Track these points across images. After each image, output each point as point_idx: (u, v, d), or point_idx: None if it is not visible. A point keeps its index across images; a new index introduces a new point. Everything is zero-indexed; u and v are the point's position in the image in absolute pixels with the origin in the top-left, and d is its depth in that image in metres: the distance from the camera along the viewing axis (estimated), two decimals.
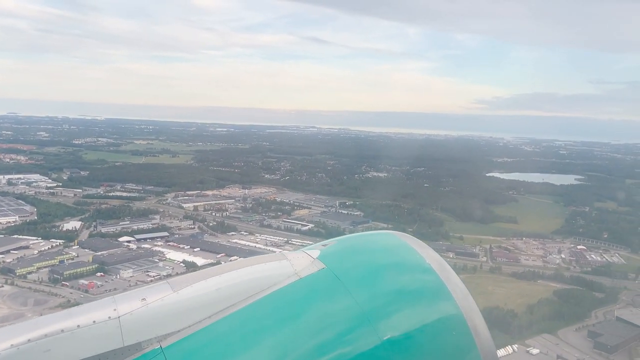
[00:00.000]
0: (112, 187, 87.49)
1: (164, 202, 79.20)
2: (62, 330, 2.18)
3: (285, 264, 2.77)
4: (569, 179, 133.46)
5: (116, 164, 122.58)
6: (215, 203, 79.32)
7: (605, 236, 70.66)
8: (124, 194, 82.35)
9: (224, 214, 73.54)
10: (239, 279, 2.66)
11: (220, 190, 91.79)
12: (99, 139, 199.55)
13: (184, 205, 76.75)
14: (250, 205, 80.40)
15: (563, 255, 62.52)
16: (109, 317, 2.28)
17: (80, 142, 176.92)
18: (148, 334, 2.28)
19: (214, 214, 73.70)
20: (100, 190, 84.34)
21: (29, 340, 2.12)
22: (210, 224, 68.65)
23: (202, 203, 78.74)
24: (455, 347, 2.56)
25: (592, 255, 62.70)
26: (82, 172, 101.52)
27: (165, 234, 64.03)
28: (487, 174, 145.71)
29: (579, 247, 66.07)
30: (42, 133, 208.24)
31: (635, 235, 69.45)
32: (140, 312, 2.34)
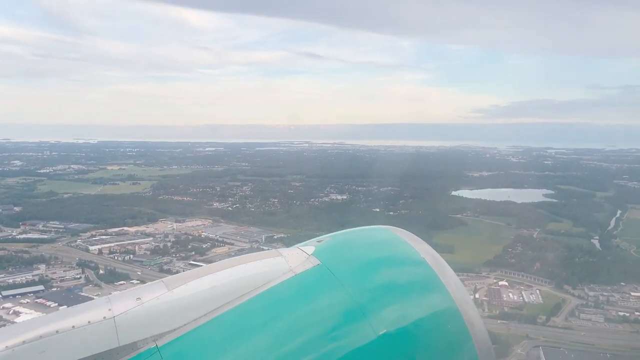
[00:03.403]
0: (33, 226, 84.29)
1: (73, 244, 75.50)
2: (57, 331, 2.18)
3: (279, 260, 2.82)
4: (537, 195, 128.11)
5: (64, 196, 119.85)
6: (128, 243, 75.34)
7: (536, 267, 65.86)
8: (36, 236, 78.95)
9: (130, 257, 69.63)
10: (233, 277, 2.68)
11: (150, 225, 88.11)
12: (72, 166, 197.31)
13: (91, 248, 72.69)
14: (170, 243, 76.53)
15: (477, 295, 57.82)
16: (104, 317, 2.28)
17: (47, 171, 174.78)
18: (143, 333, 2.29)
19: (117, 257, 69.67)
20: (14, 232, 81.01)
21: (23, 342, 2.12)
22: (101, 272, 64.26)
23: (113, 244, 74.62)
24: (451, 340, 2.63)
25: (510, 293, 57.85)
26: (15, 208, 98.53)
27: (41, 287, 59.36)
28: (454, 192, 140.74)
29: (500, 283, 61.25)
30: (15, 162, 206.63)
31: (565, 266, 64.55)
32: (135, 311, 2.35)
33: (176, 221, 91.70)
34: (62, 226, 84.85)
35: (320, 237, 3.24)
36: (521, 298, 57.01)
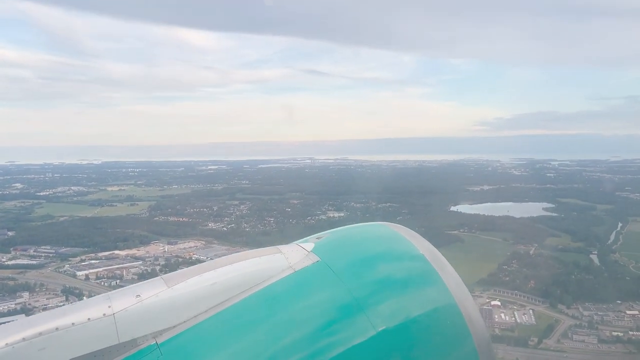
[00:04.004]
0: (24, 252, 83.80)
1: (61, 270, 74.77)
2: (57, 328, 2.19)
3: (279, 257, 2.84)
4: (537, 209, 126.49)
5: (60, 219, 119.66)
6: (117, 267, 74.50)
7: (531, 285, 64.30)
8: (25, 261, 78.39)
9: (117, 282, 68.70)
10: (233, 274, 2.69)
11: (141, 248, 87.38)
12: (72, 187, 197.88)
13: (78, 273, 71.92)
14: (159, 267, 75.54)
15: None
16: (104, 314, 2.29)
17: (47, 193, 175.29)
18: (143, 330, 2.30)
19: (103, 282, 68.71)
20: (4, 258, 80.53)
21: (23, 339, 2.12)
22: (82, 299, 63.05)
23: (101, 269, 73.83)
24: (450, 335, 2.64)
25: (502, 314, 56.28)
26: (8, 233, 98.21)
27: (22, 317, 58.35)
28: (453, 207, 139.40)
29: (492, 303, 59.68)
30: (17, 185, 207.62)
31: (560, 284, 62.96)
32: (135, 308, 2.36)
33: (168, 243, 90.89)
34: (53, 251, 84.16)
35: (320, 233, 3.22)
36: (513, 319, 55.38)
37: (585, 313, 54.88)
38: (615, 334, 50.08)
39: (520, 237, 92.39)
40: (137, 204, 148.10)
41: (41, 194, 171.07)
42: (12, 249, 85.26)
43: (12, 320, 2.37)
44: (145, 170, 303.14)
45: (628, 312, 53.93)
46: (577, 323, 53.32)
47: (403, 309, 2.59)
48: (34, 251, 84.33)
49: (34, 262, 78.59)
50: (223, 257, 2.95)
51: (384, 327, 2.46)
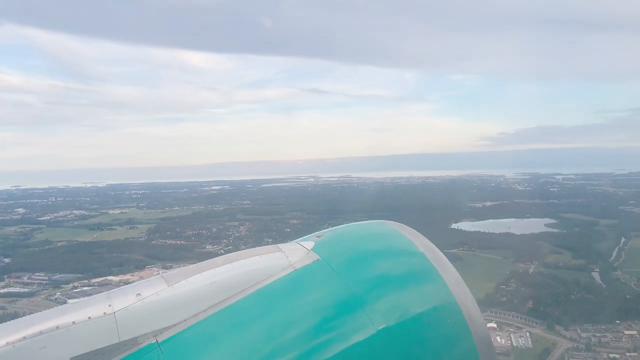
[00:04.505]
0: (18, 279, 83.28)
1: (52, 298, 74.03)
2: (58, 327, 2.21)
3: (279, 256, 2.87)
4: (539, 225, 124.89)
5: (58, 244, 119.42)
6: None
7: (529, 306, 62.79)
8: (17, 289, 77.74)
9: None
10: (233, 272, 2.71)
11: (135, 273, 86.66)
12: (74, 211, 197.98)
13: (69, 301, 70.71)
14: None
15: None
16: (104, 313, 2.32)
17: (48, 218, 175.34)
18: (144, 329, 2.32)
19: None
20: None
21: (24, 338, 2.15)
22: None
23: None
24: (450, 334, 2.66)
25: (498, 337, 54.73)
26: (5, 260, 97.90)
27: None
28: (454, 224, 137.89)
29: (489, 325, 58.08)
30: (19, 209, 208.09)
31: (559, 304, 61.44)
32: (135, 307, 2.39)
33: (163, 268, 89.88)
34: (47, 278, 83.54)
35: (320, 232, 3.21)
36: (509, 342, 53.86)
37: (583, 335, 53.32)
38: (612, 356, 48.54)
39: (521, 255, 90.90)
40: (137, 227, 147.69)
41: (42, 218, 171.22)
42: (6, 276, 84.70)
43: (13, 319, 2.40)
44: (148, 192, 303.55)
45: (626, 332, 52.42)
46: (575, 346, 51.79)
47: (403, 307, 2.61)
48: (27, 278, 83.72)
49: (26, 290, 77.86)
50: (223, 256, 2.95)
51: (384, 325, 2.48)
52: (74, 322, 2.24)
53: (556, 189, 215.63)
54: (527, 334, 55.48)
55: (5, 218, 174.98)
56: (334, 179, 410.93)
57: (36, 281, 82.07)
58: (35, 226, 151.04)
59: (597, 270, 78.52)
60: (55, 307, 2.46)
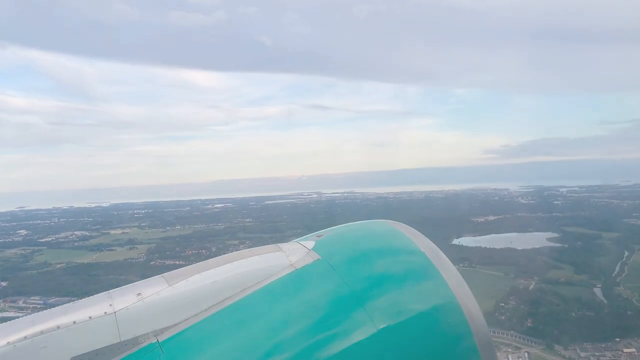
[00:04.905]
0: (13, 303, 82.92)
1: None
2: (58, 327, 2.23)
3: (280, 255, 2.88)
4: (541, 239, 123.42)
5: (57, 266, 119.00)
6: None
7: (528, 324, 61.51)
8: (11, 314, 77.02)
9: None
10: (234, 272, 2.72)
11: None
12: (75, 232, 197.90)
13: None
14: None
15: None
16: (105, 313, 2.34)
17: (49, 239, 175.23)
18: (144, 329, 2.33)
19: None
20: None
21: (25, 337, 2.16)
22: None
23: None
24: (451, 333, 2.67)
25: None
26: (2, 283, 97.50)
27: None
28: (456, 240, 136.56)
29: None
30: (21, 231, 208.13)
31: (559, 322, 60.12)
32: (136, 306, 2.40)
33: None
34: (42, 302, 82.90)
35: (321, 231, 3.21)
36: None
37: (582, 354, 52.06)
38: None
39: (521, 271, 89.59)
40: (137, 248, 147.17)
41: (43, 240, 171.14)
42: (1, 300, 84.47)
43: (14, 319, 2.40)
44: (151, 211, 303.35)
45: (625, 350, 51.13)
46: None
47: (404, 306, 2.61)
48: (23, 302, 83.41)
49: (20, 315, 76.23)
50: (224, 256, 2.94)
51: (385, 325, 2.49)
52: (74, 322, 2.25)
53: (560, 202, 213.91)
54: (526, 354, 54.20)
55: (7, 240, 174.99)
56: (337, 194, 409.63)
57: (31, 305, 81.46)
58: (36, 248, 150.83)
59: (599, 285, 77.17)
60: (56, 307, 2.45)
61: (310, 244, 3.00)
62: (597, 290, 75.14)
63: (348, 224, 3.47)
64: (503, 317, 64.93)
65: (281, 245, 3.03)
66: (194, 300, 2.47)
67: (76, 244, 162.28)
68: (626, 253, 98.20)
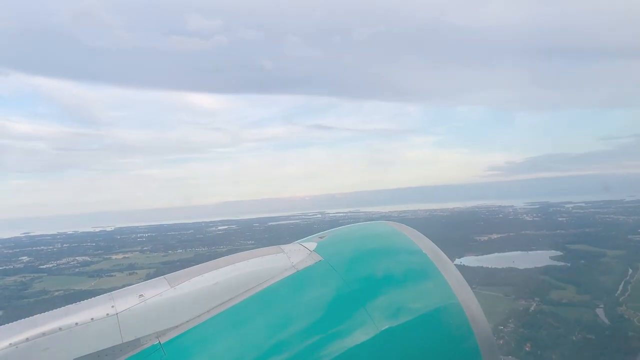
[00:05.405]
0: None
1: None
2: (60, 328, 2.26)
3: (282, 257, 2.91)
4: (544, 258, 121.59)
5: (55, 294, 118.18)
6: None
7: (527, 349, 59.89)
8: None
9: None
10: (236, 273, 2.74)
11: None
12: (77, 258, 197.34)
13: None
14: None
15: None
16: (107, 314, 2.36)
17: (50, 266, 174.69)
18: (146, 330, 2.35)
19: None
20: None
21: (27, 339, 2.19)
22: None
23: None
24: (453, 335, 2.69)
25: None
26: None
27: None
28: (457, 260, 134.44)
29: None
30: (23, 258, 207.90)
31: (558, 346, 58.56)
32: (138, 308, 2.41)
33: None
34: None
35: (322, 232, 3.24)
36: None
37: None
38: None
39: (522, 292, 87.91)
40: (137, 273, 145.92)
41: (44, 266, 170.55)
42: None
43: (16, 321, 2.40)
44: (154, 234, 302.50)
45: None
46: None
47: (406, 308, 2.62)
48: None
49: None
50: (226, 257, 2.94)
51: (387, 326, 2.50)
52: (76, 324, 2.26)
53: (565, 219, 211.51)
54: None
55: (8, 267, 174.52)
56: (341, 214, 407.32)
57: None
58: (36, 275, 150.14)
59: (602, 306, 75.44)
60: (58, 309, 2.46)
61: (312, 245, 2.99)
62: (600, 311, 73.41)
63: (349, 225, 3.45)
64: (502, 341, 63.27)
65: (283, 246, 3.01)
66: (196, 301, 2.47)
67: (77, 270, 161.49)
68: (630, 271, 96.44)
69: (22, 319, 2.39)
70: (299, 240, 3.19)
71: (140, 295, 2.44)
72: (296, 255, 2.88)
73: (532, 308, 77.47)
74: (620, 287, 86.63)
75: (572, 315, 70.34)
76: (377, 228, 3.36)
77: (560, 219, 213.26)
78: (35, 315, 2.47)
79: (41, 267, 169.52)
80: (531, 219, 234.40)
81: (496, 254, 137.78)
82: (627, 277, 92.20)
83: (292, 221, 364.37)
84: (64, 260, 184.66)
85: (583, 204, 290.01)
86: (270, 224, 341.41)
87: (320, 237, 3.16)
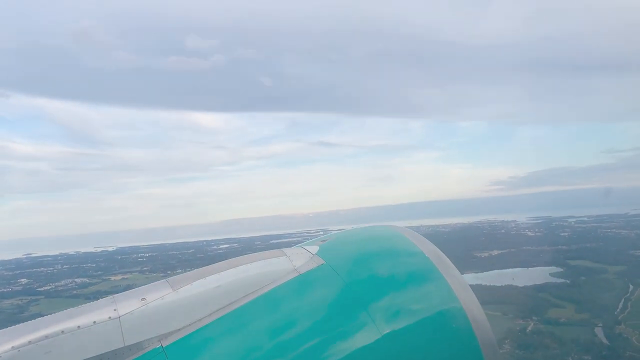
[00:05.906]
0: None
1: None
2: (63, 332, 2.30)
3: (284, 260, 2.91)
4: (544, 274, 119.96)
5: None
6: None
7: None
8: None
9: None
10: (238, 276, 2.77)
11: None
12: (76, 279, 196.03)
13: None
14: None
15: None
16: (109, 317, 2.40)
17: (49, 288, 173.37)
18: (149, 333, 2.40)
19: None
20: None
21: (29, 342, 2.23)
22: None
23: None
24: (456, 339, 2.69)
25: None
26: None
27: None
28: None
29: None
30: (22, 280, 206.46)
31: None
32: (140, 311, 2.45)
33: None
34: None
35: (324, 236, 3.26)
36: None
37: None
38: None
39: (521, 310, 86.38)
40: None
41: (42, 289, 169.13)
42: None
43: (18, 324, 2.46)
44: (155, 254, 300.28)
45: None
46: None
47: (409, 311, 2.65)
48: None
49: None
50: (228, 260, 2.95)
51: (389, 330, 2.51)
52: (79, 327, 2.30)
53: (567, 234, 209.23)
54: None
55: (6, 290, 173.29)
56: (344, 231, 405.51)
57: None
58: (34, 298, 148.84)
59: (601, 325, 74.01)
60: (60, 312, 2.48)
61: (314, 248, 2.97)
62: (599, 330, 72.01)
63: (352, 229, 3.46)
64: None
65: (285, 250, 2.98)
66: (198, 305, 2.50)
67: (74, 292, 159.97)
68: (631, 287, 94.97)
69: (25, 322, 2.44)
70: (301, 244, 3.15)
71: (143, 299, 2.46)
72: (298, 259, 2.85)
73: (529, 328, 76.03)
74: (620, 304, 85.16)
75: (570, 334, 69.04)
76: (379, 231, 3.34)
77: (562, 233, 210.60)
78: (37, 319, 2.49)
79: (39, 289, 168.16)
80: (533, 234, 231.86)
81: (496, 271, 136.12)
82: (628, 294, 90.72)
83: (295, 239, 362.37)
84: (62, 282, 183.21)
85: (585, 218, 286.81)
86: (272, 241, 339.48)
87: (323, 241, 3.12)
